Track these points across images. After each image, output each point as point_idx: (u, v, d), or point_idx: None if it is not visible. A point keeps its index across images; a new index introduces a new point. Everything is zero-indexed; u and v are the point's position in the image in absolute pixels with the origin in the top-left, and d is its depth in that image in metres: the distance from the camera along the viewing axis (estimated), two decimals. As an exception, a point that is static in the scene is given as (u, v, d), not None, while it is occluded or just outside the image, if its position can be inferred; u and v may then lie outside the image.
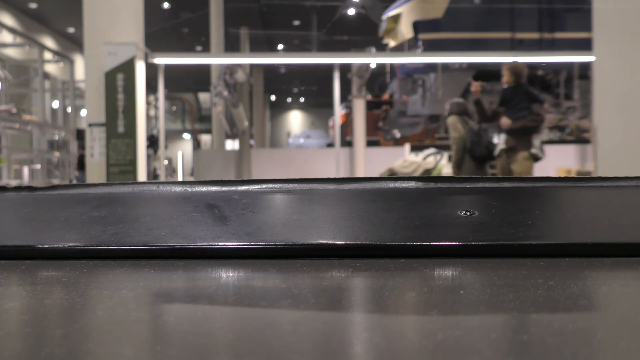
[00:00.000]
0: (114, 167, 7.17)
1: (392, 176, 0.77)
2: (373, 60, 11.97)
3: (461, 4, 13.46)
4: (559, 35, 12.86)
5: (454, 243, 0.62)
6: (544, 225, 0.66)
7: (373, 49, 12.67)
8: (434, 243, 0.61)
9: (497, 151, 5.75)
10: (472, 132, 5.90)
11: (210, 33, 13.52)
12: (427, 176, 0.75)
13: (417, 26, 13.01)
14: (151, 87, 10.61)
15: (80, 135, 10.54)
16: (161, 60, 9.01)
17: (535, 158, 5.57)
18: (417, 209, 0.68)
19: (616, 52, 5.65)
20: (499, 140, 5.78)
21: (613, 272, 0.56)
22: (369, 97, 13.33)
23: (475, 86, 5.88)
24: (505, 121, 5.69)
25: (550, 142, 11.85)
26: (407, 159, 7.36)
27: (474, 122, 6.00)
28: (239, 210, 0.69)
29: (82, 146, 10.43)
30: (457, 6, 13.22)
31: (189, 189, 0.75)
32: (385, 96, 15.09)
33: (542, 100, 5.90)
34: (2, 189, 0.80)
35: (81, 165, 10.29)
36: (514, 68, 5.84)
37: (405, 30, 13.53)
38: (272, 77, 19.78)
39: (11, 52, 14.82)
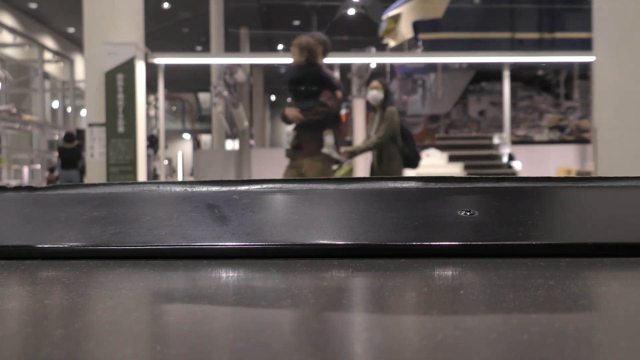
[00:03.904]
0: (114, 167, 7.18)
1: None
2: (373, 60, 11.97)
3: (461, 4, 13.46)
4: (559, 35, 12.86)
5: (454, 243, 0.62)
6: (544, 225, 0.66)
7: (373, 49, 12.67)
8: (434, 243, 0.61)
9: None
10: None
11: (210, 33, 13.53)
12: (427, 176, 0.75)
13: (417, 26, 13.01)
14: (151, 87, 10.61)
15: (70, 136, 10.48)
16: (161, 60, 9.01)
17: (329, 160, 4.48)
18: (417, 209, 0.68)
19: (616, 52, 5.65)
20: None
21: (613, 272, 0.56)
22: (369, 97, 13.32)
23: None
24: (291, 112, 4.50)
25: (550, 142, 11.87)
26: None
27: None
28: (239, 210, 0.69)
29: (68, 140, 10.39)
30: (457, 6, 13.22)
31: (189, 189, 0.75)
32: (385, 96, 15.07)
33: (337, 86, 4.53)
34: (2, 189, 0.80)
35: (69, 163, 10.19)
36: (304, 43, 4.53)
37: (405, 30, 13.53)
38: (272, 77, 19.77)
39: (11, 52, 14.82)
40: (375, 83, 5.09)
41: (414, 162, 5.23)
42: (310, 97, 4.47)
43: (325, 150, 4.44)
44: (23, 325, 0.43)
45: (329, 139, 4.44)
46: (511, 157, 9.80)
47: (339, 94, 4.46)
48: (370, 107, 5.24)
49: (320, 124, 4.45)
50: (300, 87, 4.60)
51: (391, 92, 5.36)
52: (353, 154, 5.22)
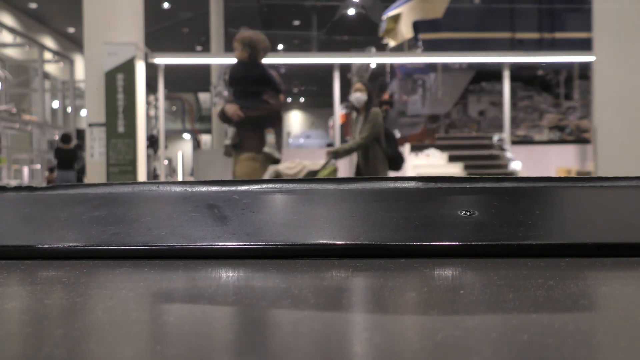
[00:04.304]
0: (114, 167, 7.18)
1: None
2: (373, 60, 11.98)
3: (461, 4, 13.46)
4: (559, 35, 12.86)
5: (454, 243, 0.62)
6: (544, 225, 0.66)
7: (373, 49, 12.68)
8: (434, 243, 0.61)
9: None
10: None
11: (210, 33, 13.53)
12: (427, 176, 0.75)
13: (417, 26, 13.01)
14: (151, 87, 10.61)
15: (67, 137, 10.47)
16: (161, 60, 9.01)
17: (269, 159, 4.44)
18: (417, 209, 0.68)
19: (616, 52, 5.65)
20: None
21: (613, 272, 0.56)
22: (369, 97, 13.32)
23: None
24: (231, 108, 4.42)
25: (550, 142, 11.87)
26: (294, 160, 7.13)
27: None
28: (239, 210, 0.69)
29: (65, 141, 10.38)
30: (457, 6, 13.22)
31: (189, 189, 0.75)
32: (385, 96, 15.10)
33: (280, 89, 4.49)
34: (2, 189, 0.80)
35: (66, 164, 10.17)
36: (247, 38, 4.45)
37: (405, 30, 13.54)
38: (272, 77, 19.75)
39: (11, 52, 14.82)
40: (358, 85, 5.10)
41: (397, 164, 5.21)
42: (253, 95, 4.40)
43: (266, 149, 4.40)
44: (23, 325, 0.43)
45: (270, 137, 4.40)
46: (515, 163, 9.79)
47: (282, 98, 4.45)
48: (353, 109, 5.22)
49: (262, 122, 4.40)
50: (242, 84, 4.50)
51: (374, 93, 5.36)
52: (337, 154, 5.22)
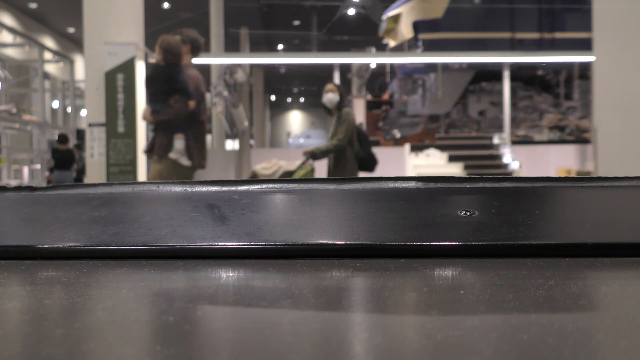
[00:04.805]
0: (114, 167, 7.18)
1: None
2: (373, 60, 11.98)
3: (461, 4, 13.47)
4: (559, 35, 12.87)
5: (454, 243, 0.62)
6: (544, 225, 0.65)
7: (373, 49, 12.68)
8: (434, 243, 0.61)
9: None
10: None
11: (210, 33, 13.53)
12: (427, 176, 0.75)
13: (417, 26, 13.02)
14: (151, 87, 10.58)
15: (64, 138, 10.47)
16: (161, 60, 8.97)
17: (176, 165, 4.36)
18: (417, 209, 0.68)
19: (616, 52, 5.65)
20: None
21: (613, 272, 0.56)
22: (369, 97, 13.34)
23: None
24: (145, 112, 4.50)
25: (550, 142, 11.87)
26: (271, 160, 7.08)
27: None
28: (239, 210, 0.69)
29: (62, 142, 10.38)
30: (457, 6, 13.23)
31: (189, 189, 0.75)
32: (385, 96, 15.11)
33: (191, 94, 4.36)
34: (2, 189, 0.80)
35: (63, 164, 10.16)
36: (164, 44, 4.38)
37: (405, 30, 13.55)
38: (272, 77, 19.78)
39: (11, 52, 14.82)
40: (330, 86, 5.10)
41: (370, 166, 5.17)
42: (162, 99, 4.35)
43: (171, 155, 4.32)
44: (23, 325, 0.43)
45: (177, 143, 4.33)
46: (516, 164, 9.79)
47: (191, 103, 4.31)
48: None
49: (172, 127, 4.33)
50: (153, 87, 4.49)
51: (346, 94, 5.37)
52: (313, 155, 5.21)
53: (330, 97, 5.01)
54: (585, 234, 0.64)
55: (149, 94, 4.58)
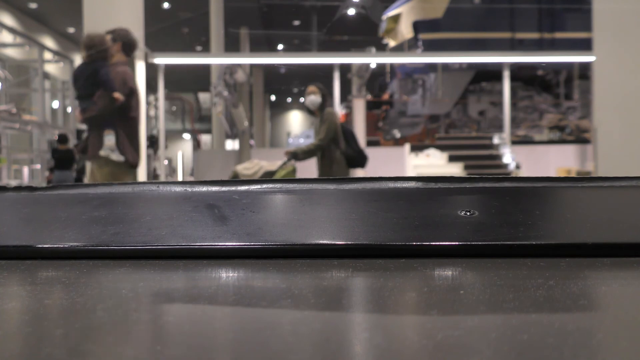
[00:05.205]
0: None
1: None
2: (373, 60, 11.97)
3: (461, 4, 13.47)
4: (559, 35, 12.87)
5: (454, 243, 0.62)
6: (544, 225, 0.65)
7: (373, 49, 12.67)
8: (434, 243, 0.61)
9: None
10: None
11: (210, 33, 13.52)
12: (427, 176, 0.75)
13: (417, 26, 13.03)
14: (151, 87, 10.61)
15: (63, 138, 10.46)
16: (161, 60, 9.01)
17: (110, 162, 4.26)
18: (417, 209, 0.68)
19: (616, 52, 5.65)
20: None
21: (613, 272, 0.56)
22: (369, 97, 13.34)
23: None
24: (75, 111, 4.46)
25: (550, 142, 11.87)
26: (252, 160, 7.09)
27: None
28: (239, 210, 0.69)
29: (61, 142, 10.38)
30: (457, 6, 13.23)
31: (189, 189, 0.75)
32: (385, 96, 15.11)
33: (113, 88, 4.24)
34: (2, 189, 0.80)
35: (63, 164, 10.16)
36: (86, 41, 4.33)
37: (405, 30, 13.55)
38: (272, 77, 19.78)
39: (11, 52, 14.82)
40: (312, 88, 5.14)
41: (360, 162, 5.21)
42: (87, 97, 4.30)
43: (102, 152, 4.23)
44: (23, 325, 0.43)
45: (107, 139, 4.25)
46: (517, 166, 9.78)
47: (116, 95, 4.22)
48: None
49: (101, 124, 4.25)
50: (78, 84, 4.43)
51: (328, 95, 5.40)
52: (295, 155, 5.24)
53: (312, 99, 5.06)
54: (585, 234, 0.64)
55: (75, 92, 4.52)
